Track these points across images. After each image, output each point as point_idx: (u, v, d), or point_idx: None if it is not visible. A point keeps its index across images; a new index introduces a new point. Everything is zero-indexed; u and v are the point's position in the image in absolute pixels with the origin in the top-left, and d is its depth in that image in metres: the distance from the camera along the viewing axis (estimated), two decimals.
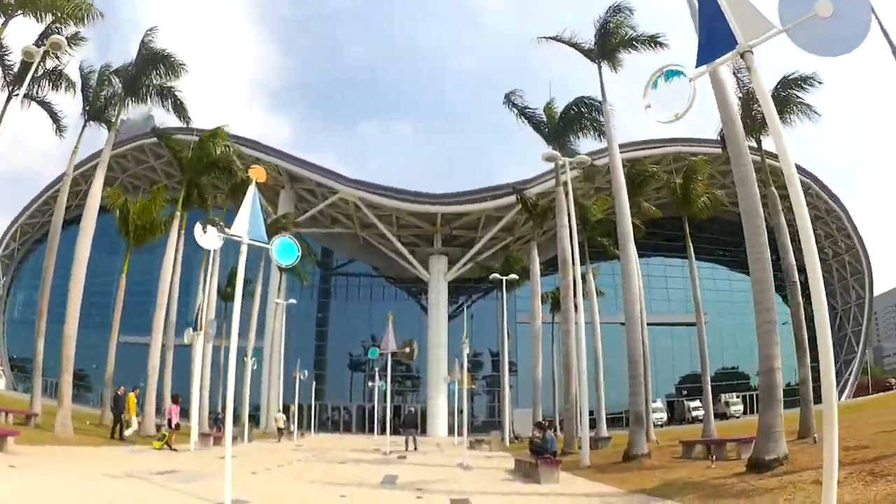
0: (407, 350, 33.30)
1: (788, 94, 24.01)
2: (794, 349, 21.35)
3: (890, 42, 9.68)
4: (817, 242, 65.78)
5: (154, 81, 28.66)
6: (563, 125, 28.94)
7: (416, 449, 29.35)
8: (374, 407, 45.98)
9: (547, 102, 30.41)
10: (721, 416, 52.14)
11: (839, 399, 63.91)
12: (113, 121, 28.20)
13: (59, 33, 23.26)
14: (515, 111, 30.76)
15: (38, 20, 23.90)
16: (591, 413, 27.86)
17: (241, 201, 10.71)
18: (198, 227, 10.70)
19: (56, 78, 26.84)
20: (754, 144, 23.15)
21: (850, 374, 68.78)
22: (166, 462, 17.06)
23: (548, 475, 15.03)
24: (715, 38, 6.86)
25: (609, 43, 24.60)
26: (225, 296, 42.53)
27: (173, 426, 23.64)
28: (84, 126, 27.97)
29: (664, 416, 57.06)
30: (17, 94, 22.62)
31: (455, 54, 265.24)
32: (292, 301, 47.71)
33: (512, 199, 49.48)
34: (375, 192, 58.73)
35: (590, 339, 31.40)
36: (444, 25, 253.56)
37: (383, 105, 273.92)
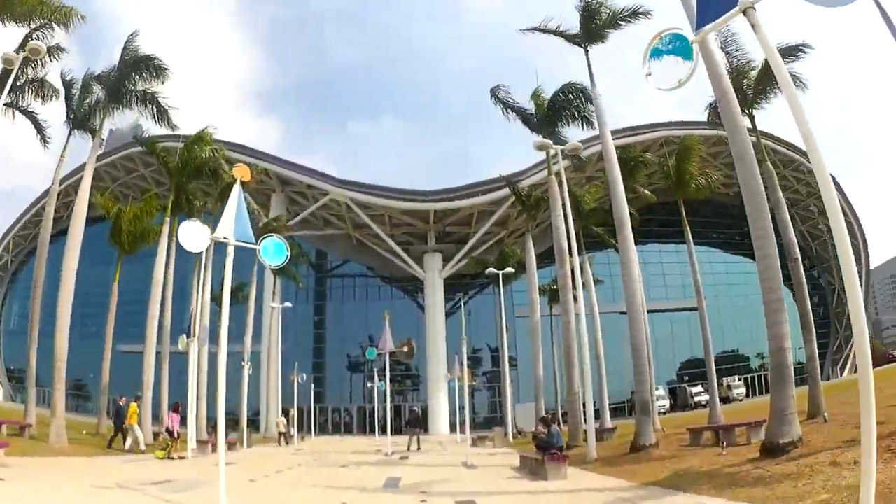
0: (405, 349, 32.98)
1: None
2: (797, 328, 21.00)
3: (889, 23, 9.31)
4: (810, 219, 65.87)
5: (137, 87, 28.26)
6: (552, 113, 28.65)
7: (419, 448, 29.02)
8: (374, 408, 45.63)
9: (534, 90, 30.13)
10: (724, 399, 51.75)
11: (840, 375, 64.15)
12: (97, 128, 27.79)
13: (41, 40, 22.91)
14: (501, 106, 30.53)
15: (17, 25, 23.54)
16: (593, 404, 27.55)
17: None
18: (182, 230, 10.34)
19: (39, 87, 26.48)
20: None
21: (850, 350, 68.60)
22: (162, 471, 16.59)
23: (555, 471, 14.59)
24: None
25: (594, 25, 24.32)
26: (219, 301, 42.06)
27: (174, 435, 23.26)
28: (69, 134, 27.70)
29: (667, 403, 56.72)
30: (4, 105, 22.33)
31: (449, 55, 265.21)
32: (287, 304, 47.27)
33: (504, 192, 49.23)
34: (366, 191, 58.33)
35: (590, 330, 31.06)
36: (437, 26, 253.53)
37: (375, 106, 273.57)
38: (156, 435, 27.07)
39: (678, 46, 6.59)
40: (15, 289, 76.50)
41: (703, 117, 28.82)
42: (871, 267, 72.95)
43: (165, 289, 31.54)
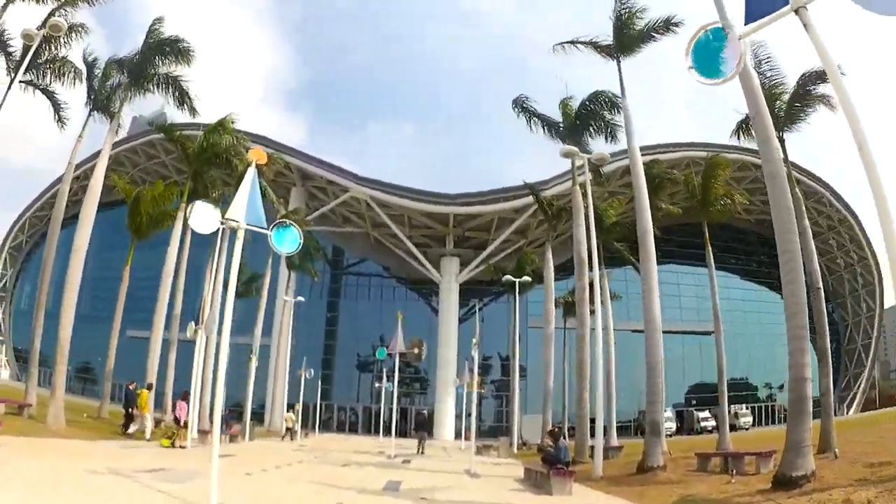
0: (415, 350, 32.62)
1: (810, 89, 23.29)
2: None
3: None
4: (829, 252, 65.10)
5: (160, 70, 28.06)
6: (579, 123, 28.32)
7: (422, 453, 28.77)
8: (380, 409, 45.37)
9: (563, 100, 29.76)
10: (731, 427, 51.32)
11: (847, 413, 63.33)
12: (116, 111, 27.60)
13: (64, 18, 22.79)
14: (527, 115, 30.16)
15: (38, 2, 23.39)
16: (602, 420, 27.15)
17: None
18: (191, 212, 10.01)
19: (60, 66, 26.26)
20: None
21: (858, 388, 67.84)
22: (158, 460, 16.27)
23: (560, 487, 14.24)
24: None
25: (626, 37, 24.06)
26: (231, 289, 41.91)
27: (181, 423, 23.00)
28: (88, 115, 27.43)
29: (673, 425, 56.22)
30: (21, 82, 22.16)
31: (448, 55, 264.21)
32: (300, 298, 46.91)
33: (526, 201, 48.98)
34: (387, 190, 58.07)
35: (603, 345, 30.68)
36: (437, 26, 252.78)
37: (375, 106, 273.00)
38: (158, 422, 26.82)
39: (722, 41, 6.26)
40: (28, 270, 77.06)
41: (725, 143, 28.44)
42: (885, 307, 71.91)
43: (178, 276, 31.38)
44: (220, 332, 10.59)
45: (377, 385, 51.68)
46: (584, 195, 23.98)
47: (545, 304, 35.51)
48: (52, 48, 25.26)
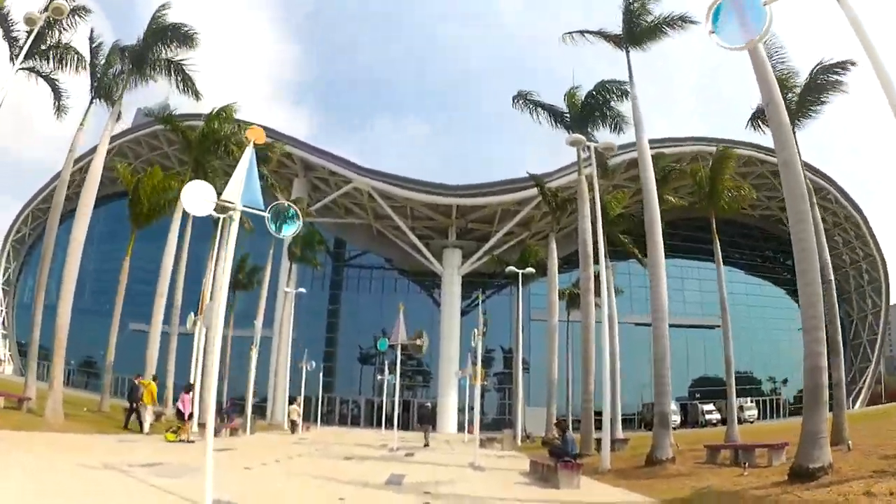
0: (417, 342, 32.34)
1: (824, 79, 23.10)
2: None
3: None
4: (835, 249, 64.71)
5: (163, 55, 27.72)
6: (585, 113, 28.09)
7: (427, 445, 28.60)
8: (382, 401, 45.02)
9: (568, 90, 29.73)
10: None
11: (852, 407, 63.11)
12: (118, 98, 27.24)
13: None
14: (530, 106, 30.05)
15: None
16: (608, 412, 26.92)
17: None
18: (185, 192, 9.57)
19: (62, 53, 25.88)
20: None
21: (863, 383, 67.63)
22: (153, 454, 15.99)
23: (568, 480, 13.91)
24: None
25: (636, 27, 23.96)
26: (233, 284, 41.69)
27: (186, 417, 22.69)
28: (90, 102, 27.06)
29: (677, 418, 55.96)
30: (24, 68, 21.85)
31: (473, 54, 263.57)
32: (302, 290, 46.56)
33: (529, 193, 48.62)
34: (390, 181, 57.63)
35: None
36: (460, 24, 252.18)
37: (375, 106, 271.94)
38: (158, 416, 26.51)
39: (745, 8, 5.87)
40: (31, 263, 76.33)
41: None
42: (892, 303, 71.66)
43: (178, 267, 31.07)
44: (227, 325, 10.07)
45: (379, 378, 51.45)
46: (591, 186, 23.77)
47: (549, 296, 35.24)
48: (56, 33, 24.89)
